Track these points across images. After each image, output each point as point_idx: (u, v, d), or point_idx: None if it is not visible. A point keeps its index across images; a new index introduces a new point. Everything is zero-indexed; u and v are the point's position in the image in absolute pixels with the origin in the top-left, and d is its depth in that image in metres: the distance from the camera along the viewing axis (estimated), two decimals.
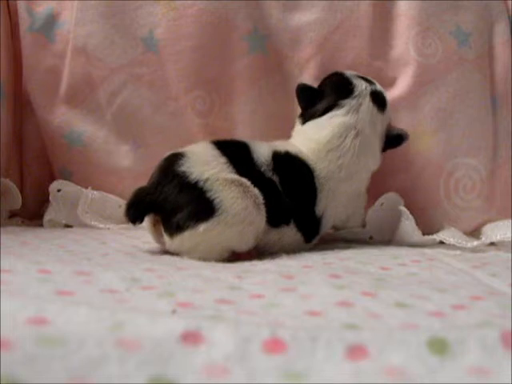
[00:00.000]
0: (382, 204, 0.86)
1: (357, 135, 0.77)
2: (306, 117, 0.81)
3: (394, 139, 0.83)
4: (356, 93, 0.79)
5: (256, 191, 0.67)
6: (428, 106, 0.92)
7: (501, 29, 0.96)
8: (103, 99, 0.96)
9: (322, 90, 0.81)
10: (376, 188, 0.89)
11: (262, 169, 0.71)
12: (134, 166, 0.96)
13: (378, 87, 0.83)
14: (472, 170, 0.92)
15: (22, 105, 1.00)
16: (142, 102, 0.95)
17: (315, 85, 0.86)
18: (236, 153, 0.71)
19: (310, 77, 0.95)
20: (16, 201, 0.92)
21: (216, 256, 0.65)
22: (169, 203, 0.64)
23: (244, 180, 0.67)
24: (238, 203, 0.64)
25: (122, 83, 0.95)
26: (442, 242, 0.85)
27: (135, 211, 0.65)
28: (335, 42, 0.94)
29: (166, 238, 0.66)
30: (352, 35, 0.94)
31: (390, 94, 0.93)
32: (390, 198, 0.86)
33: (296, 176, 0.74)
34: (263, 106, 0.95)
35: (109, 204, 0.94)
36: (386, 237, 0.85)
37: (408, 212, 0.83)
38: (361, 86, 0.80)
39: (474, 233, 0.92)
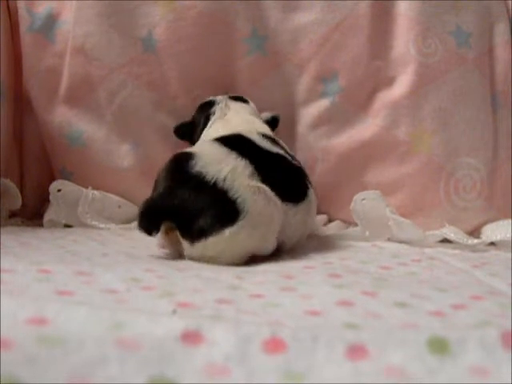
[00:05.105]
0: (362, 199, 0.86)
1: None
2: (195, 141, 0.83)
3: (271, 123, 0.88)
4: (217, 101, 0.86)
5: (267, 189, 0.63)
6: (428, 105, 0.92)
7: (501, 29, 0.96)
8: (103, 99, 0.96)
9: (194, 119, 0.88)
10: (375, 187, 0.89)
11: (266, 148, 0.71)
12: (134, 166, 0.96)
13: (232, 95, 0.90)
14: (472, 170, 0.92)
15: (22, 105, 1.00)
16: (142, 101, 0.95)
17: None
18: (241, 145, 0.68)
19: (309, 77, 0.95)
20: (16, 201, 0.91)
21: (238, 261, 0.61)
22: (186, 208, 0.60)
23: (259, 184, 0.64)
24: (259, 201, 0.61)
25: (122, 82, 0.95)
26: (442, 241, 0.85)
27: (150, 220, 0.61)
28: (335, 42, 0.94)
29: (184, 245, 0.61)
30: (351, 35, 0.93)
31: (391, 94, 0.93)
32: (370, 194, 0.86)
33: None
34: (263, 107, 0.95)
35: (109, 204, 0.94)
36: (380, 234, 0.85)
37: (397, 216, 0.84)
38: (217, 97, 0.87)
39: (474, 233, 0.92)
